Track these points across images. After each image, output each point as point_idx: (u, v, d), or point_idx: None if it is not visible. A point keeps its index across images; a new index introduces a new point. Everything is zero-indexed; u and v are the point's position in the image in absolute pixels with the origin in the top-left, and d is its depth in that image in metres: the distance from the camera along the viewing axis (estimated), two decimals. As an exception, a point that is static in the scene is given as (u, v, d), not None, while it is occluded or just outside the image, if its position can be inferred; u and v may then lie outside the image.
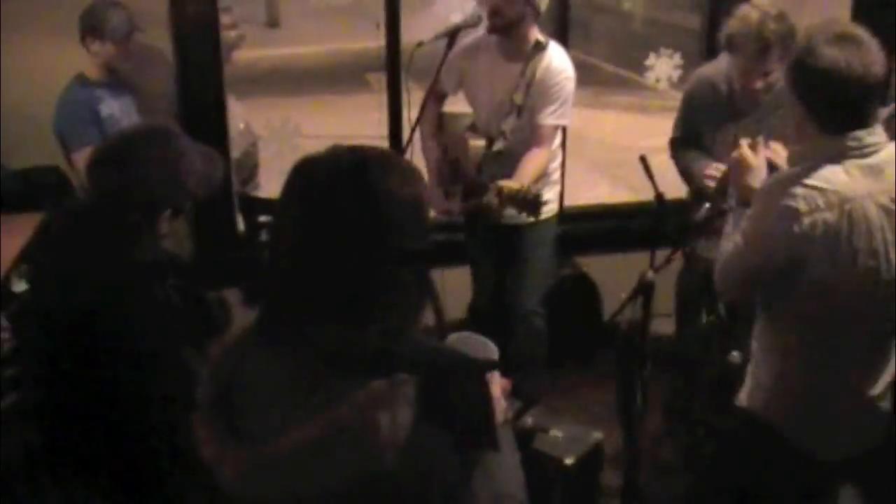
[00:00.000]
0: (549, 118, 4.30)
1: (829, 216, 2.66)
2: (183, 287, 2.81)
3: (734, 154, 3.09)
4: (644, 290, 3.34)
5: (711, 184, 3.94)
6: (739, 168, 3.05)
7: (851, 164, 2.70)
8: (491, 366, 1.97)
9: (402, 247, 1.73)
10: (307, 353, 1.74)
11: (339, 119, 10.19)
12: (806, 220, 2.66)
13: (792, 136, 2.89)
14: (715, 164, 3.98)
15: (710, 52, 4.90)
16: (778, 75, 3.90)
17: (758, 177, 3.00)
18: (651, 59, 5.73)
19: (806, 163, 2.75)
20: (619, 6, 17.03)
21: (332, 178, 1.74)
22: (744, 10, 3.91)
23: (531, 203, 3.96)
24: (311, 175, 1.78)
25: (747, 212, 2.86)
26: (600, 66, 13.49)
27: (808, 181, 2.68)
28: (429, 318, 2.05)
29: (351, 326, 1.73)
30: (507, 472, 1.83)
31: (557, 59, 4.33)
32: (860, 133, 2.69)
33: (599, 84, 12.48)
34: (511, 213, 4.18)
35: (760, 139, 3.13)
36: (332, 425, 1.67)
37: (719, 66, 4.21)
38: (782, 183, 2.74)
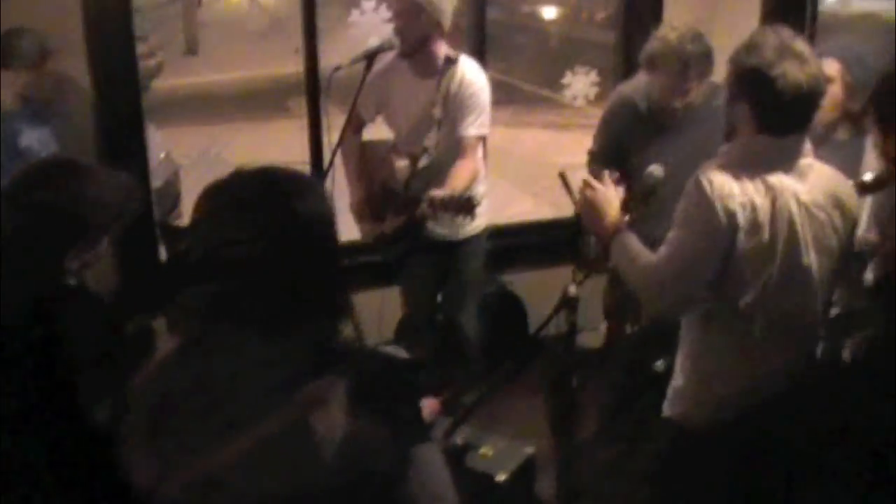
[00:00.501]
0: (469, 129, 4.35)
1: (757, 199, 2.77)
2: (102, 319, 2.78)
3: (585, 194, 3.14)
4: (567, 304, 3.38)
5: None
6: (593, 206, 3.11)
7: (781, 164, 2.84)
8: (417, 364, 2.01)
9: (315, 261, 1.76)
10: (236, 366, 1.76)
11: (260, 145, 10.13)
12: (738, 200, 2.76)
13: (726, 128, 3.00)
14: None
15: (626, 68, 4.99)
16: (695, 93, 4.01)
17: (613, 205, 3.09)
18: (567, 77, 5.79)
19: (737, 159, 2.86)
20: (535, 24, 17.22)
21: (239, 199, 1.77)
22: (662, 30, 4.02)
23: (464, 205, 3.99)
24: (218, 198, 1.80)
25: (677, 212, 2.90)
26: (519, 86, 13.62)
27: (741, 171, 2.80)
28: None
29: (276, 336, 1.75)
30: (441, 475, 1.86)
31: (470, 72, 4.38)
32: (795, 137, 2.85)
33: (519, 103, 12.63)
34: (443, 229, 4.23)
35: (606, 173, 3.19)
36: (270, 431, 1.70)
37: (638, 84, 4.30)
38: (716, 169, 2.83)
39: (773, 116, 2.81)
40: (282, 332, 1.76)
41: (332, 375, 1.73)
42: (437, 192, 4.03)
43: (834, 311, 3.22)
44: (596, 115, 4.63)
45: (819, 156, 3.00)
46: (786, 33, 2.85)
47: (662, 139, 4.14)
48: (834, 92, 3.83)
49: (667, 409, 3.15)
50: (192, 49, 17.19)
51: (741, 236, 2.77)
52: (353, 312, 1.89)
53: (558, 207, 4.28)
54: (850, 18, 16.93)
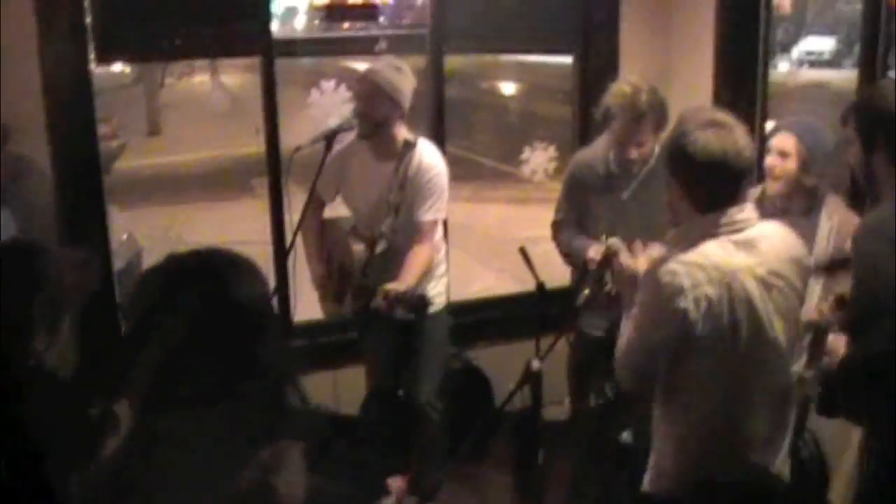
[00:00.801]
0: (426, 214, 4.35)
1: (711, 290, 2.78)
2: (62, 403, 2.75)
3: (617, 265, 3.18)
4: (531, 379, 3.38)
5: (593, 266, 4.04)
6: (624, 278, 3.15)
7: (726, 239, 2.85)
8: (367, 424, 2.06)
9: (251, 336, 1.79)
10: (194, 440, 1.76)
11: (223, 225, 10.13)
12: (690, 296, 2.77)
13: (669, 214, 3.03)
14: (595, 246, 4.08)
15: (583, 142, 5.05)
16: (651, 146, 4.08)
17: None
18: (526, 153, 5.85)
19: (684, 242, 2.88)
20: (494, 100, 17.44)
21: (172, 282, 1.81)
22: (618, 84, 4.11)
23: (416, 304, 4.02)
24: (153, 283, 1.84)
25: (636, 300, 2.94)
26: (480, 162, 13.76)
27: (689, 259, 2.81)
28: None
29: (223, 408, 1.77)
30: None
31: (428, 156, 4.39)
32: (733, 210, 2.86)
33: (480, 179, 12.75)
34: (400, 313, 4.23)
35: (638, 243, 3.23)
36: (231, 499, 1.71)
37: (595, 150, 4.39)
38: (665, 263, 2.85)
39: (703, 191, 2.85)
40: (227, 403, 1.78)
41: (286, 440, 1.76)
42: (391, 287, 4.04)
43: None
44: (555, 188, 4.68)
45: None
46: (710, 109, 2.94)
47: (623, 204, 4.21)
48: (789, 166, 3.91)
49: (647, 485, 3.14)
50: (154, 130, 17.26)
51: (699, 326, 2.79)
52: (297, 383, 1.89)
53: (521, 282, 4.31)
54: (799, 88, 17.34)
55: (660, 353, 2.89)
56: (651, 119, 4.07)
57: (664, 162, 2.98)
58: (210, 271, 1.83)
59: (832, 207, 3.97)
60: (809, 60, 21.35)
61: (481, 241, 10.09)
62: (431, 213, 4.37)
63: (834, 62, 20.63)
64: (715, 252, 2.83)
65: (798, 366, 3.28)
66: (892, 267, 2.84)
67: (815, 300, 3.78)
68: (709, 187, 2.84)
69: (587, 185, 4.36)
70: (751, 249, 2.86)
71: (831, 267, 3.62)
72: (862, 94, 3.18)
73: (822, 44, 21.51)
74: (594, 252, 4.03)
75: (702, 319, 2.78)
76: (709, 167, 2.79)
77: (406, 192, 4.35)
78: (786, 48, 21.14)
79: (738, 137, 2.82)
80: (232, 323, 1.81)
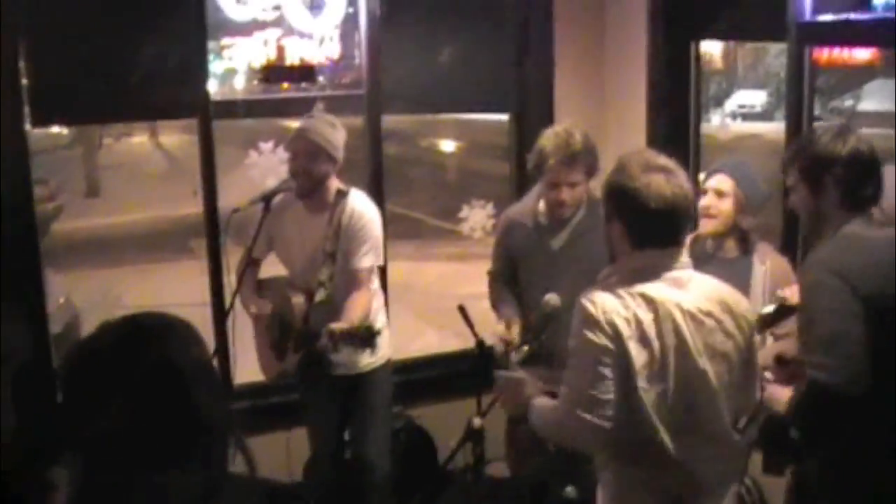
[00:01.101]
0: (362, 261, 4.39)
1: (641, 313, 2.82)
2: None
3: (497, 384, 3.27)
4: (473, 437, 3.39)
5: (500, 347, 4.09)
6: (506, 394, 3.23)
7: (659, 277, 2.89)
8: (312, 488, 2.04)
9: (196, 404, 1.78)
10: None
11: (163, 287, 10.05)
12: (622, 316, 2.80)
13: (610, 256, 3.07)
14: (498, 327, 4.22)
15: (520, 198, 5.10)
16: (583, 191, 4.12)
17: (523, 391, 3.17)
18: (465, 211, 5.91)
19: (618, 277, 2.92)
20: (434, 157, 17.56)
21: (106, 350, 1.79)
22: (551, 128, 4.21)
23: (365, 337, 4.01)
24: (91, 350, 1.82)
25: (569, 343, 2.93)
26: (420, 219, 13.80)
27: (623, 289, 2.86)
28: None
29: (159, 474, 1.75)
30: None
31: (360, 204, 4.44)
32: (671, 251, 2.91)
33: (420, 236, 12.80)
34: (344, 362, 4.23)
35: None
36: None
37: (525, 204, 4.45)
38: (598, 291, 2.89)
39: (645, 230, 2.88)
40: (168, 469, 1.76)
41: None
42: (336, 325, 4.04)
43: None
44: (495, 245, 4.72)
45: (707, 272, 3.08)
46: (651, 152, 2.97)
47: (555, 256, 4.26)
48: (725, 206, 3.99)
49: None
50: (92, 191, 17.13)
51: (632, 347, 2.80)
52: (246, 449, 1.87)
53: (463, 339, 4.31)
54: (733, 139, 17.69)
55: (601, 389, 2.82)
56: (584, 161, 4.12)
57: (604, 203, 2.99)
58: (146, 337, 1.82)
59: (763, 252, 4.04)
60: (742, 113, 21.84)
61: (423, 299, 10.11)
62: (367, 259, 4.41)
63: (765, 115, 21.14)
64: (648, 285, 2.87)
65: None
66: (839, 296, 2.93)
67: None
68: (655, 230, 2.88)
69: (517, 240, 4.39)
70: (681, 287, 2.91)
71: (775, 319, 3.68)
72: (804, 140, 3.30)
73: (754, 97, 22.03)
74: (492, 337, 4.14)
75: (635, 339, 2.80)
76: (659, 211, 2.82)
77: (341, 241, 4.38)
78: (719, 102, 21.59)
79: (682, 181, 2.88)
80: (171, 388, 1.79)
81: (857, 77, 18.00)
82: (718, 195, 4.01)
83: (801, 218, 3.32)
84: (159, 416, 1.77)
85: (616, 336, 2.80)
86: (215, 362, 4.36)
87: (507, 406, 3.27)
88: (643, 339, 2.82)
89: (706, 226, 4.03)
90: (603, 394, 2.84)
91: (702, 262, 3.50)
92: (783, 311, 3.60)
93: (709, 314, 2.91)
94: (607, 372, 2.82)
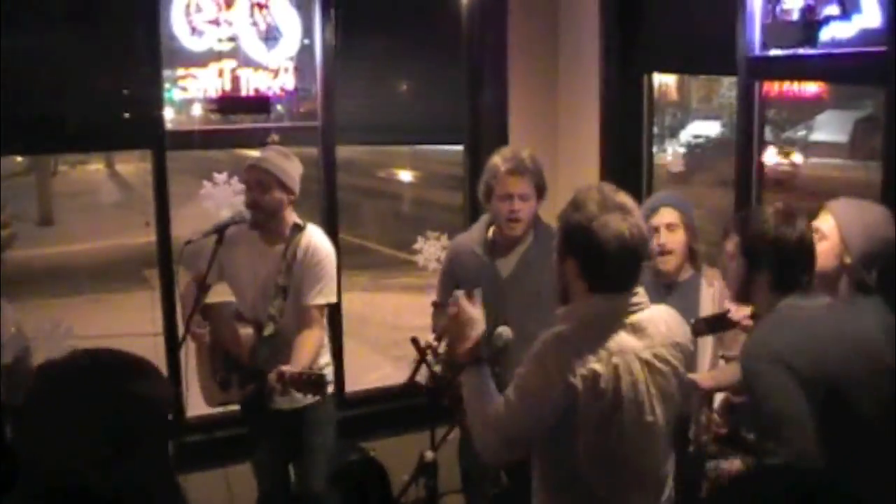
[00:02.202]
0: (315, 298, 4.37)
1: (599, 367, 2.77)
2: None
3: (451, 309, 3.09)
4: (425, 470, 3.38)
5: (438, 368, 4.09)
6: (460, 322, 3.06)
7: (617, 322, 2.85)
8: None
9: (149, 440, 1.77)
10: None
11: (115, 317, 9.94)
12: (578, 373, 2.75)
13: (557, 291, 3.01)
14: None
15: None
16: (531, 212, 4.15)
17: (477, 328, 3.05)
18: (419, 243, 5.92)
19: (575, 321, 2.87)
20: (390, 188, 17.59)
21: (68, 381, 1.79)
22: (500, 149, 4.31)
23: (315, 384, 3.99)
24: (50, 380, 1.80)
25: (518, 370, 2.89)
26: (376, 250, 13.78)
27: (580, 337, 2.82)
28: None
29: None
30: None
31: (316, 239, 4.43)
32: (626, 294, 2.88)
33: (376, 267, 12.77)
34: (288, 398, 4.20)
35: (477, 291, 3.23)
36: None
37: (472, 233, 4.47)
38: (556, 338, 2.84)
39: (601, 273, 2.84)
40: None
41: None
42: (287, 369, 4.01)
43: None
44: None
45: (664, 294, 3.08)
46: (608, 188, 2.90)
47: (503, 285, 4.27)
48: (679, 237, 4.04)
49: None
50: (46, 219, 16.97)
51: (581, 404, 2.77)
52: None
53: (418, 371, 4.29)
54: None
55: (543, 425, 2.83)
56: (532, 177, 4.18)
57: (559, 239, 2.94)
58: (96, 375, 1.81)
59: (710, 276, 4.06)
60: (697, 143, 22.03)
61: (378, 331, 10.10)
62: (321, 297, 4.39)
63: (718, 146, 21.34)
64: (605, 333, 2.83)
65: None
66: (777, 380, 2.91)
67: (707, 361, 3.88)
68: (613, 271, 2.83)
69: (466, 267, 4.39)
70: (640, 332, 2.87)
71: (711, 329, 3.71)
72: (753, 217, 3.22)
73: (708, 128, 22.25)
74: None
75: (587, 394, 2.76)
76: (615, 253, 2.78)
77: (295, 275, 4.36)
78: (674, 133, 21.78)
79: (638, 220, 2.84)
80: (119, 426, 1.78)
81: (810, 109, 18.24)
82: (669, 229, 4.04)
83: (730, 282, 3.29)
84: (107, 452, 1.75)
85: (568, 394, 2.77)
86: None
87: (453, 340, 3.08)
88: (597, 393, 2.78)
89: (667, 263, 4.04)
90: (528, 435, 2.86)
91: (665, 291, 3.58)
92: (722, 319, 3.63)
93: (663, 359, 2.89)
94: (546, 419, 2.81)
